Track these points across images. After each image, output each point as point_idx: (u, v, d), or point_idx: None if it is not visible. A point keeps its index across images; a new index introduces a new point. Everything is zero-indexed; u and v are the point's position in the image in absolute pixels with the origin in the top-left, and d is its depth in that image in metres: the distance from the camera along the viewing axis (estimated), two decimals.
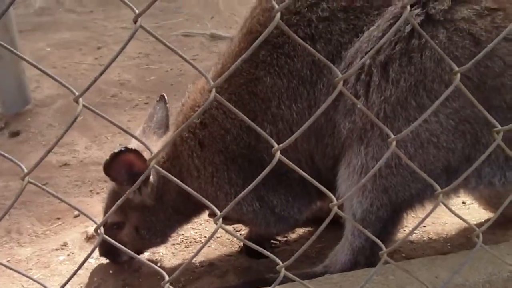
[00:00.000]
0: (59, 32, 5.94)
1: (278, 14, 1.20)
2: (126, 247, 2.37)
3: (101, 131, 3.96)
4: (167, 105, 2.65)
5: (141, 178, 1.36)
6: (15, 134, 4.05)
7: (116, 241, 2.33)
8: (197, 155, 2.25)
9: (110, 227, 2.42)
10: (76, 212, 3.11)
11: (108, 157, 2.09)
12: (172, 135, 2.39)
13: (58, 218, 3.10)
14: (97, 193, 3.32)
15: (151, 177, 2.30)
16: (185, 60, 1.30)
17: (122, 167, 2.18)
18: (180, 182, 1.38)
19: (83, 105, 1.17)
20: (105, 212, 2.50)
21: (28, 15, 6.33)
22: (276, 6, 1.20)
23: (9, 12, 4.24)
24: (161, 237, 2.49)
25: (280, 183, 2.17)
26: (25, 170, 1.21)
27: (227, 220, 2.55)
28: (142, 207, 2.37)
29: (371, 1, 1.98)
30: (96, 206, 3.14)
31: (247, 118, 1.32)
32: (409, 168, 1.89)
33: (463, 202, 2.96)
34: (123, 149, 2.08)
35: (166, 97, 2.67)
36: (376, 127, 1.90)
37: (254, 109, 2.12)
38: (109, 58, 4.03)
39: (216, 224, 1.38)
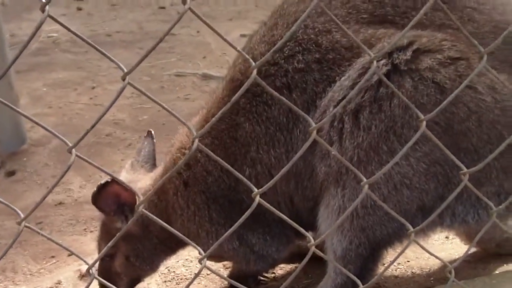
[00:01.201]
0: (55, 72, 6.09)
1: (255, 71, 1.32)
2: (121, 277, 2.47)
3: (96, 170, 4.05)
4: (154, 140, 2.76)
5: (129, 223, 1.47)
6: (11, 173, 4.14)
7: (111, 272, 2.46)
8: (181, 194, 2.37)
9: (103, 259, 2.49)
10: None
11: (95, 188, 2.18)
12: (160, 180, 2.45)
13: (53, 257, 3.18)
14: (91, 232, 3.40)
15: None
16: (166, 109, 1.38)
17: (109, 198, 2.28)
18: (163, 223, 1.50)
19: (76, 155, 1.27)
20: (98, 243, 2.57)
21: (24, 55, 6.45)
22: (253, 64, 1.32)
23: (6, 53, 4.38)
24: (150, 265, 2.55)
25: (258, 223, 2.27)
26: (22, 215, 1.30)
27: (211, 257, 2.63)
28: (129, 236, 2.42)
29: (342, 54, 2.11)
30: (89, 245, 3.22)
31: (227, 164, 1.43)
32: (384, 209, 2.00)
33: (446, 237, 3.05)
34: (109, 180, 2.16)
35: (153, 132, 2.78)
36: (351, 170, 2.01)
37: (235, 152, 2.25)
38: (103, 98, 4.21)
39: (201, 263, 1.48)
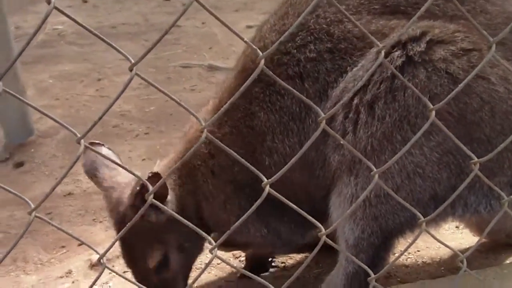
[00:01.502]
0: (60, 64, 6.09)
1: (262, 61, 1.31)
2: (177, 279, 2.36)
3: None
4: (104, 145, 2.49)
5: (140, 212, 1.45)
6: (19, 164, 4.15)
7: (171, 279, 2.34)
8: (211, 182, 2.34)
9: (159, 271, 2.30)
10: None
11: (137, 188, 2.07)
12: (169, 170, 2.33)
13: (63, 246, 3.20)
14: (100, 222, 3.42)
15: (169, 196, 2.22)
16: (173, 99, 1.40)
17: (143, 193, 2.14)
18: (174, 213, 1.50)
19: (85, 145, 1.27)
20: (133, 254, 2.31)
21: (30, 47, 6.41)
22: (260, 54, 1.32)
23: (12, 45, 4.39)
24: (199, 245, 2.45)
25: (284, 212, 2.26)
26: (32, 205, 1.30)
27: (234, 246, 2.62)
28: (171, 223, 2.19)
29: (354, 43, 2.12)
30: (99, 234, 3.25)
31: (236, 154, 1.45)
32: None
33: (456, 227, 3.05)
34: (150, 174, 1.94)
35: (97, 141, 2.47)
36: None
37: (252, 141, 2.26)
38: (109, 90, 4.14)
39: (212, 253, 1.50)
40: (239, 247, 2.74)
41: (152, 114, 4.79)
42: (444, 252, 2.84)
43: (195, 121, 2.44)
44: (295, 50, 2.17)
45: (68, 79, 5.69)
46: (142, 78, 1.26)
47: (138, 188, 2.07)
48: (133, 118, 4.76)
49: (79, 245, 3.17)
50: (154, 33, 6.81)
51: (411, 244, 1.82)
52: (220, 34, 6.61)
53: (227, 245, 2.60)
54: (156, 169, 2.46)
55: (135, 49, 6.17)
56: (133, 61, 1.22)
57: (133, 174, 1.52)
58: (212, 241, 1.55)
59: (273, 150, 2.23)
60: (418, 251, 2.86)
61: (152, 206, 2.05)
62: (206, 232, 2.46)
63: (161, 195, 2.09)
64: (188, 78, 5.50)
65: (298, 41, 2.17)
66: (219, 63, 5.69)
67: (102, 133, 4.49)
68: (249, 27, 6.49)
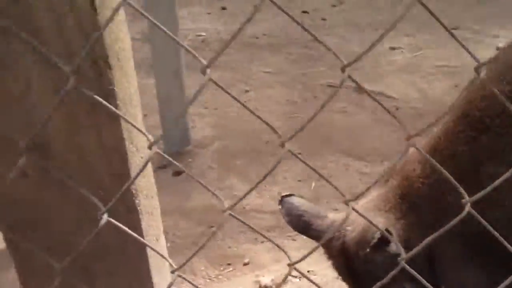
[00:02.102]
0: None
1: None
2: None
3: (259, 178, 4.13)
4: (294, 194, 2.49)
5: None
6: (178, 173, 4.31)
7: None
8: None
9: None
10: (246, 260, 3.28)
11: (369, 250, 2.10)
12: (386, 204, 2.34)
13: (229, 264, 3.28)
14: (262, 242, 3.47)
15: (394, 236, 2.22)
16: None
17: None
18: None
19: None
20: None
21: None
22: None
23: (181, 54, 4.59)
24: (423, 269, 2.32)
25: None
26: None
27: None
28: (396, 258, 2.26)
29: None
30: (263, 255, 3.31)
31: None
32: None
33: None
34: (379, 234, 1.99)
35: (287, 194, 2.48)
36: None
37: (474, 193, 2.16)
38: (256, 103, 4.27)
39: None
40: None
41: (304, 134, 4.76)
42: None
43: (413, 159, 2.37)
44: None
45: (216, 88, 5.78)
46: (215, 84, 1.21)
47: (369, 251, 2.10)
48: (284, 135, 4.79)
49: (245, 264, 3.25)
50: (294, 46, 6.86)
51: None
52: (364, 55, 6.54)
53: None
54: (364, 203, 2.41)
55: (278, 62, 6.26)
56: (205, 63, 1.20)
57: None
58: None
59: (496, 205, 2.14)
60: None
61: (378, 250, 2.13)
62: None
63: (387, 239, 2.07)
64: (336, 100, 5.46)
65: None
66: (367, 86, 5.63)
67: (256, 149, 4.58)
68: (392, 48, 6.37)
